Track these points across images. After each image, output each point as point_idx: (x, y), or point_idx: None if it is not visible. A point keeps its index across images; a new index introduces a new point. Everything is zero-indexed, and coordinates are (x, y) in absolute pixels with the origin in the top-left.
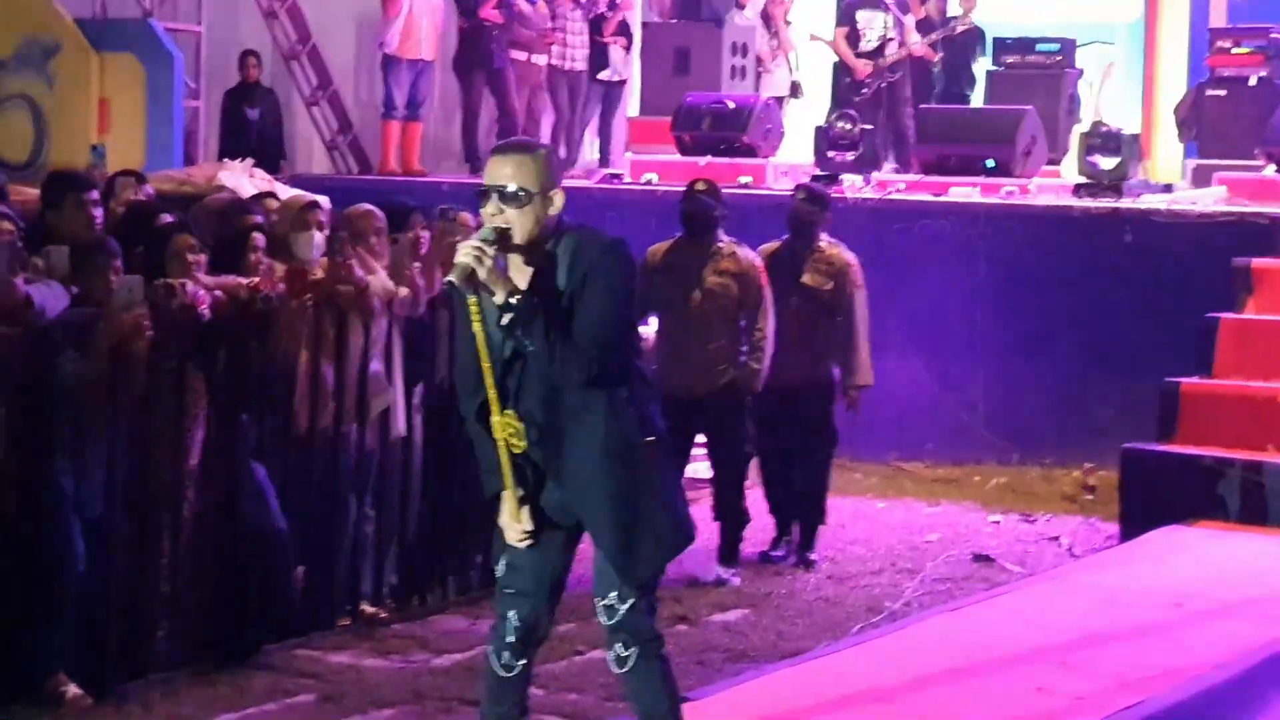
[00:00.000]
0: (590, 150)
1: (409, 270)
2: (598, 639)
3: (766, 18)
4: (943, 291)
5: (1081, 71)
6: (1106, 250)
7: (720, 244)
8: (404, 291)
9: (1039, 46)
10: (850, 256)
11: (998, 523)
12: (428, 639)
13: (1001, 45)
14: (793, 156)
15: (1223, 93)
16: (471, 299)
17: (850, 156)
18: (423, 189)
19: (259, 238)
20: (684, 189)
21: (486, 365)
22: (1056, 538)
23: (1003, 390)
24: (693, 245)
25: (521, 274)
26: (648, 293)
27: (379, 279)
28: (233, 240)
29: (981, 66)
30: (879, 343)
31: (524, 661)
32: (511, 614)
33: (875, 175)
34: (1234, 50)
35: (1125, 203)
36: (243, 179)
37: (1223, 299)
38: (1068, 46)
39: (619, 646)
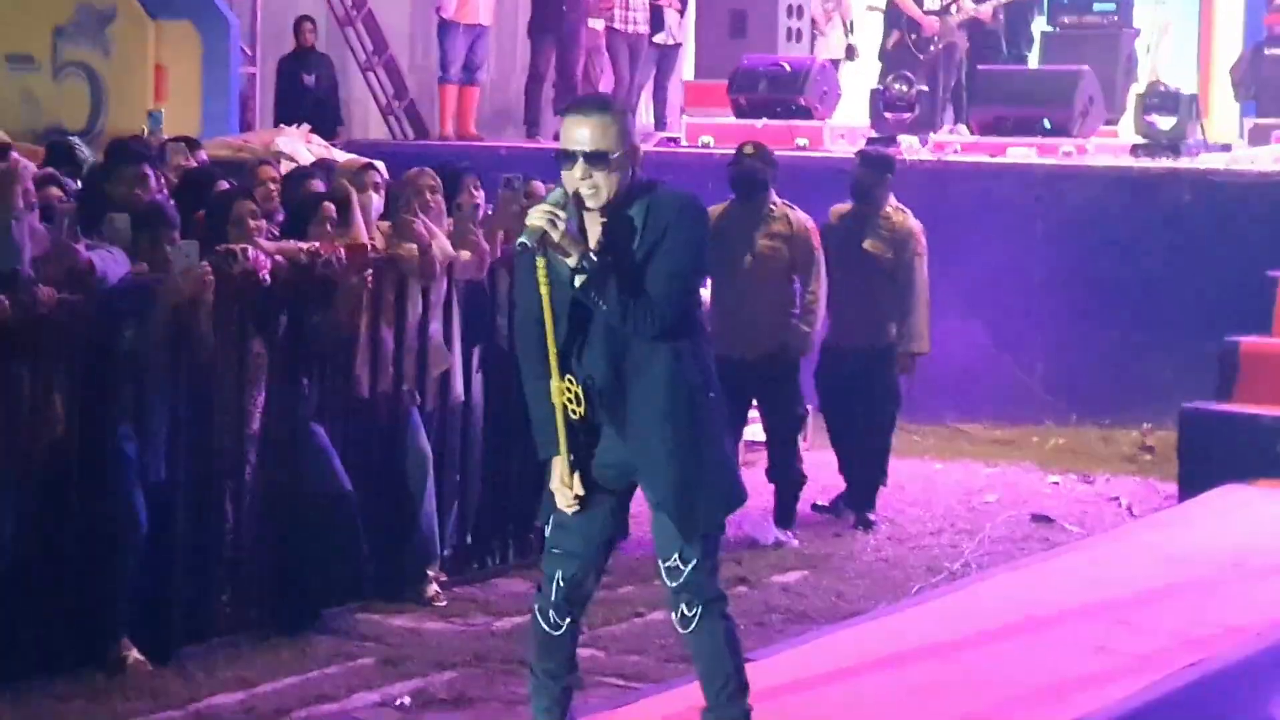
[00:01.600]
0: (645, 114)
1: (473, 235)
2: (658, 601)
3: None
4: (1000, 253)
5: (1138, 31)
6: (1164, 210)
7: (772, 207)
8: (465, 255)
9: (1095, 6)
10: (915, 224)
11: (1056, 483)
12: (489, 601)
13: (1058, 6)
14: (849, 119)
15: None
16: (541, 261)
17: (907, 118)
18: (479, 154)
19: (329, 207)
20: (733, 152)
21: (550, 329)
22: (1115, 498)
23: (1061, 351)
24: (744, 209)
25: (594, 232)
26: None
27: (438, 242)
28: (302, 208)
29: (1038, 27)
30: (936, 305)
31: (570, 619)
32: (558, 574)
33: (932, 137)
34: None
35: (1183, 162)
36: (299, 145)
37: None
38: (1124, 6)
39: (683, 607)
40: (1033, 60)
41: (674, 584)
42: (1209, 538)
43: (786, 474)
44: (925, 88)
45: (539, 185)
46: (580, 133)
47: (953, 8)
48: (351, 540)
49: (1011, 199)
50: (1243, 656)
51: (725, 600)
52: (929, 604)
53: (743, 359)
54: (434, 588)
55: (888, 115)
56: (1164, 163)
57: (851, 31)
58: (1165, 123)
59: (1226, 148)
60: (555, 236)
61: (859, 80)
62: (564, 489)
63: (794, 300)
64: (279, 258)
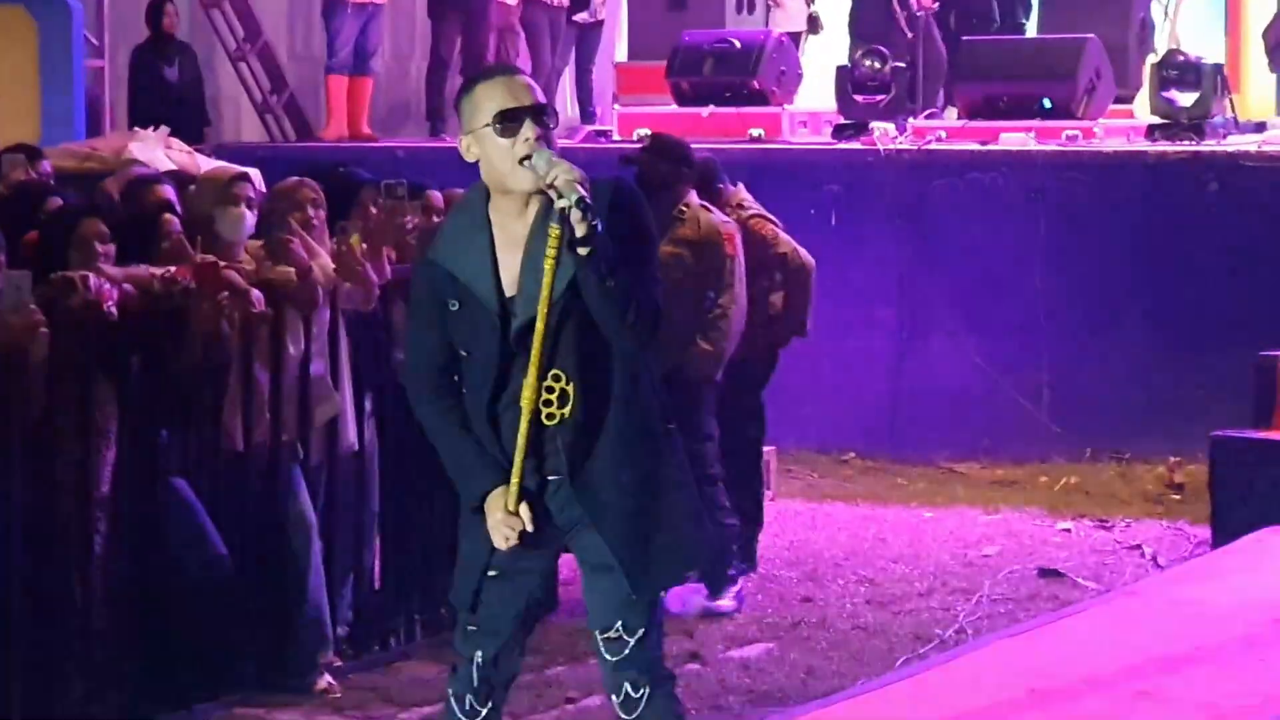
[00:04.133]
0: (568, 105)
1: (360, 264)
2: (593, 683)
3: None
4: (995, 257)
5: None
6: (1188, 202)
7: (683, 209)
8: (347, 285)
9: None
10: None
11: (1068, 531)
12: (391, 690)
13: None
14: (812, 102)
15: None
16: (556, 230)
17: (880, 101)
18: (374, 156)
19: (172, 221)
20: None
21: (544, 313)
22: (1138, 546)
23: (1069, 373)
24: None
25: (522, 219)
26: None
27: (320, 263)
28: (139, 223)
29: None
30: (920, 321)
31: (491, 705)
32: (477, 654)
33: (912, 122)
34: None
35: (1208, 145)
36: (157, 151)
37: None
38: None
39: (628, 687)
40: (1030, 30)
41: (615, 658)
42: (1246, 590)
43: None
44: (903, 64)
45: (436, 195)
46: (520, 91)
47: None
48: (226, 619)
49: (1006, 194)
50: None
51: (674, 679)
52: (917, 678)
53: None
54: (326, 678)
55: (857, 98)
56: (1186, 146)
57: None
58: (1186, 99)
59: (1260, 126)
60: (584, 195)
61: (823, 57)
62: (509, 521)
63: (701, 315)
64: (127, 286)
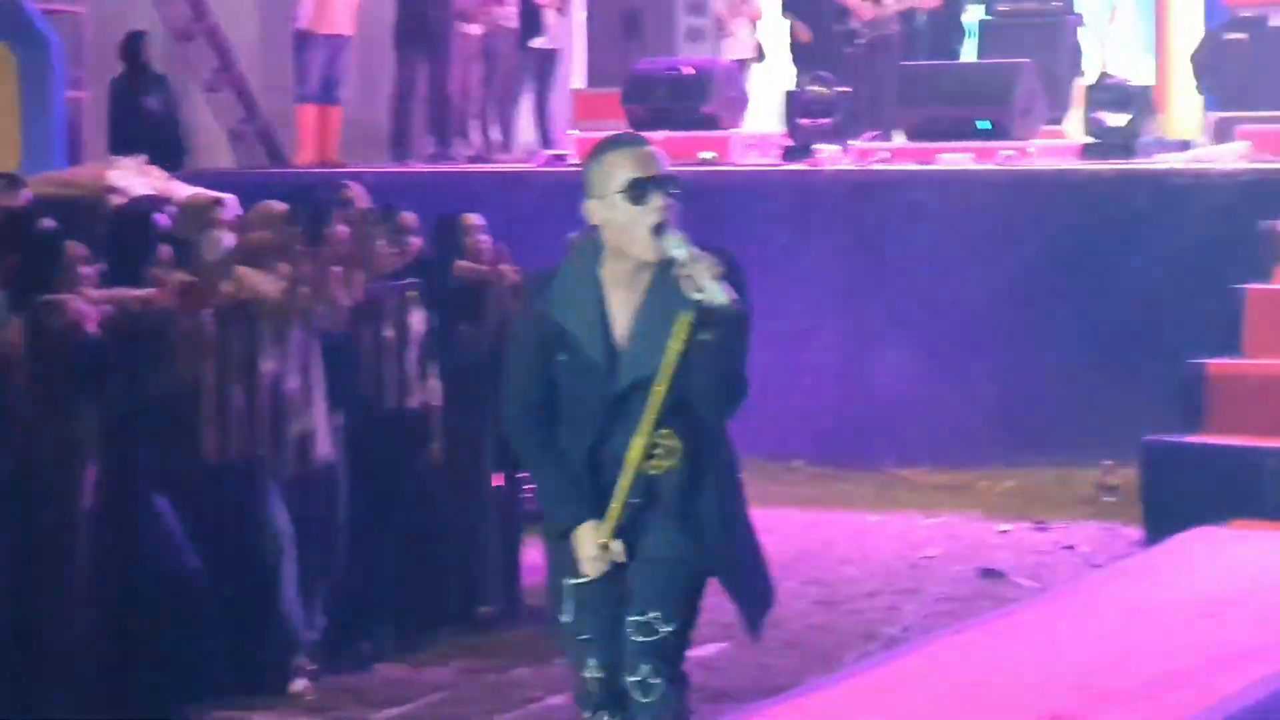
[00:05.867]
0: (527, 129)
1: (329, 286)
2: (556, 683)
3: None
4: (936, 272)
5: (1082, 17)
6: (1119, 218)
7: None
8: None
9: None
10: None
11: (1007, 532)
12: (364, 691)
13: None
14: (760, 126)
15: (1243, 36)
16: (687, 319)
17: (825, 124)
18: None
19: (165, 250)
20: None
21: (667, 381)
22: (1073, 546)
23: (1007, 382)
24: None
25: (633, 282)
26: None
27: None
28: (133, 250)
29: (971, 16)
30: (864, 332)
31: (623, 713)
32: (592, 662)
33: (854, 144)
34: None
35: (1138, 163)
36: (134, 178)
37: (1250, 267)
38: None
39: (647, 671)
40: (967, 54)
41: (642, 640)
42: (1179, 587)
43: None
44: (847, 88)
45: (409, 216)
46: (647, 159)
47: None
48: (203, 625)
49: (946, 211)
50: None
51: (688, 681)
52: (866, 675)
53: None
54: (300, 681)
55: (803, 121)
56: (1116, 164)
57: (756, 31)
58: (1117, 119)
59: (1186, 145)
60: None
61: (767, 83)
62: (601, 555)
63: None
64: (107, 308)
